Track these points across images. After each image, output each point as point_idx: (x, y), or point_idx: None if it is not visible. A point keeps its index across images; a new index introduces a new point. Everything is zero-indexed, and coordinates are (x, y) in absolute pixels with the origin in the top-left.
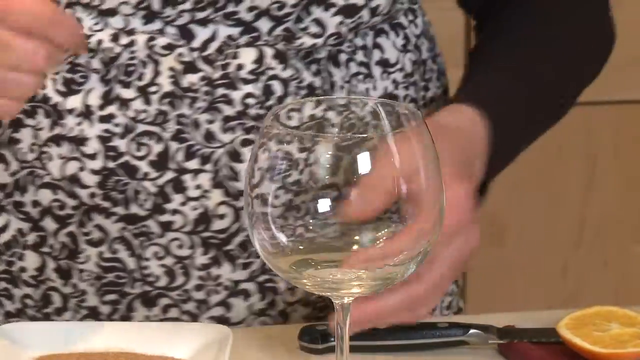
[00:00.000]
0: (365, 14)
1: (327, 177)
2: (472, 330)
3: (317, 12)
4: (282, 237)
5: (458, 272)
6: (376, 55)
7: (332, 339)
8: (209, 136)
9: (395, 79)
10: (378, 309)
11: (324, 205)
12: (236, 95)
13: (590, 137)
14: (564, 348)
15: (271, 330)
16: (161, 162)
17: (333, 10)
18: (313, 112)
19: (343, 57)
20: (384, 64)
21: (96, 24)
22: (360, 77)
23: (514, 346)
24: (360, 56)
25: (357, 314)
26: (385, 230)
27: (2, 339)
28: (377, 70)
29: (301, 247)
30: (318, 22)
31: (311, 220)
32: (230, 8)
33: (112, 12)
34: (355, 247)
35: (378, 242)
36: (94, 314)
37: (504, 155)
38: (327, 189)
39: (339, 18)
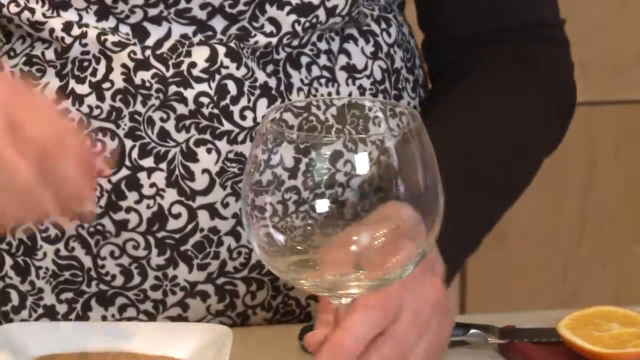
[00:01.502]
0: (321, 13)
1: (325, 177)
2: (472, 330)
3: (272, 10)
4: (280, 237)
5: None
6: (342, 60)
7: None
8: (163, 134)
9: (362, 85)
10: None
11: (322, 205)
12: (189, 94)
13: (591, 137)
14: (564, 348)
15: (271, 330)
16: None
17: (288, 8)
18: (315, 112)
19: (304, 59)
20: (351, 69)
21: (50, 13)
22: (322, 80)
23: (514, 346)
24: (323, 60)
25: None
26: (384, 230)
27: (3, 339)
28: (341, 75)
29: (300, 248)
30: (273, 20)
31: (310, 221)
32: (183, 5)
33: (64, 4)
34: (353, 247)
35: (377, 242)
36: (50, 313)
37: (460, 242)
38: (327, 189)
39: (293, 17)
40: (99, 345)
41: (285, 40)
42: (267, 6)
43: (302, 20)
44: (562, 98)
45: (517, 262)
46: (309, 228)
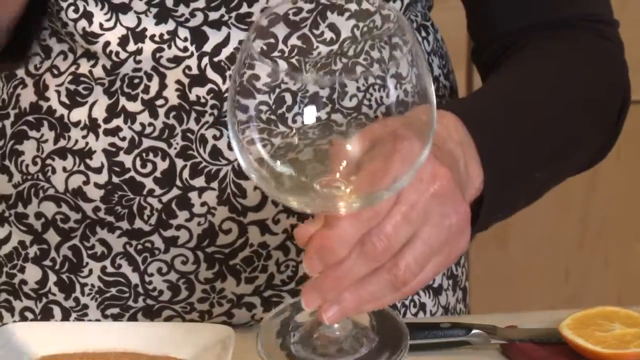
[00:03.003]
0: (377, 18)
1: (313, 90)
2: (474, 331)
3: (332, 17)
4: (263, 152)
5: (441, 254)
6: (392, 69)
7: None
8: (215, 153)
9: (406, 90)
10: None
11: (310, 114)
12: None
13: None
14: (567, 348)
15: None
16: (167, 180)
17: (347, 14)
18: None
19: (359, 69)
20: (398, 77)
21: (108, 20)
22: (376, 87)
23: (517, 346)
24: (376, 69)
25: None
26: (375, 146)
27: (6, 339)
28: (391, 83)
29: (285, 164)
30: (332, 26)
31: (298, 137)
32: (244, 9)
33: (124, 7)
34: (344, 163)
35: (367, 158)
36: None
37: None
38: (313, 103)
39: (352, 22)
40: (102, 345)
41: (345, 46)
42: (328, 12)
43: (360, 24)
44: (614, 90)
45: (520, 263)
46: (296, 143)
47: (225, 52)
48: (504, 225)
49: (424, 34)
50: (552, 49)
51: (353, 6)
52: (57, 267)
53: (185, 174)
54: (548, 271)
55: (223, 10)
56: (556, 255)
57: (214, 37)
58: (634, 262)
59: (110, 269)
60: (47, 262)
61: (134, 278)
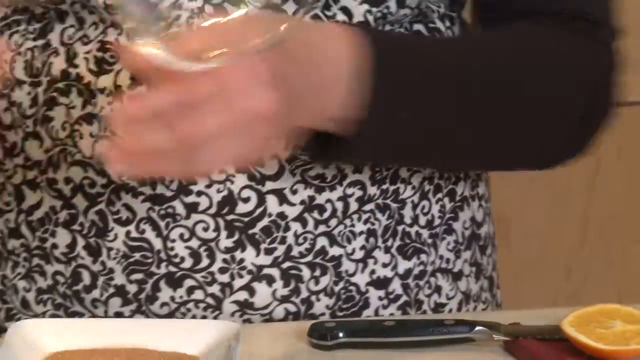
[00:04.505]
0: (392, 4)
1: None
2: (478, 327)
3: (344, 0)
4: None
5: (239, 138)
6: None
7: (341, 336)
8: None
9: None
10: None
11: None
12: None
13: None
14: (569, 345)
15: (281, 326)
16: None
17: None
18: None
19: None
20: None
21: None
22: None
23: (519, 343)
24: None
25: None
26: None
27: (17, 336)
28: None
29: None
30: (345, 10)
31: None
32: None
33: None
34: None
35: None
36: (121, 293)
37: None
38: None
39: (365, 6)
40: (112, 341)
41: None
42: None
43: (374, 10)
44: (581, 87)
45: (521, 261)
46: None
47: None
48: (505, 223)
49: (448, 23)
50: (524, 29)
51: None
52: (84, 231)
53: None
54: (550, 269)
55: None
56: (558, 253)
57: (233, 13)
58: (634, 260)
59: (134, 234)
60: (76, 227)
61: (157, 243)
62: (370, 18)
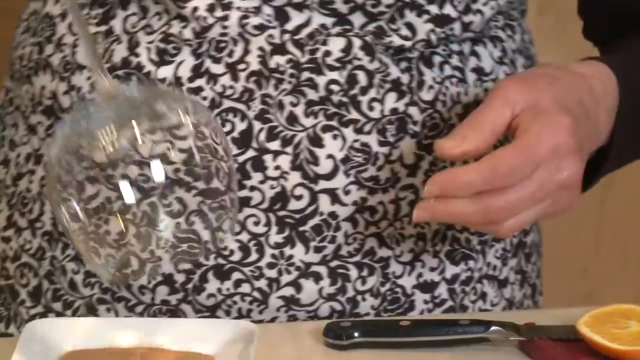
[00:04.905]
0: (456, 27)
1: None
2: (493, 327)
3: (410, 16)
4: None
5: (541, 205)
6: (472, 62)
7: (357, 335)
8: (292, 119)
9: (487, 88)
10: (457, 179)
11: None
12: (321, 80)
13: None
14: (584, 345)
15: (297, 326)
16: (243, 140)
17: (426, 17)
18: None
19: (437, 59)
20: (479, 71)
21: None
22: (454, 80)
23: (535, 343)
24: (455, 61)
25: (442, 175)
26: None
27: (34, 335)
28: (471, 77)
29: None
30: (409, 25)
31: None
32: None
33: None
34: None
35: None
36: (168, 282)
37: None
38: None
39: (430, 25)
40: (128, 340)
41: (418, 46)
42: (407, 11)
43: (438, 30)
44: None
45: None
46: None
47: (305, 31)
48: None
49: (509, 32)
50: None
51: (434, 9)
52: (136, 221)
53: (262, 136)
54: (566, 270)
55: None
56: (573, 253)
57: (297, 18)
58: None
59: (184, 225)
60: (129, 216)
61: (206, 235)
62: (433, 37)
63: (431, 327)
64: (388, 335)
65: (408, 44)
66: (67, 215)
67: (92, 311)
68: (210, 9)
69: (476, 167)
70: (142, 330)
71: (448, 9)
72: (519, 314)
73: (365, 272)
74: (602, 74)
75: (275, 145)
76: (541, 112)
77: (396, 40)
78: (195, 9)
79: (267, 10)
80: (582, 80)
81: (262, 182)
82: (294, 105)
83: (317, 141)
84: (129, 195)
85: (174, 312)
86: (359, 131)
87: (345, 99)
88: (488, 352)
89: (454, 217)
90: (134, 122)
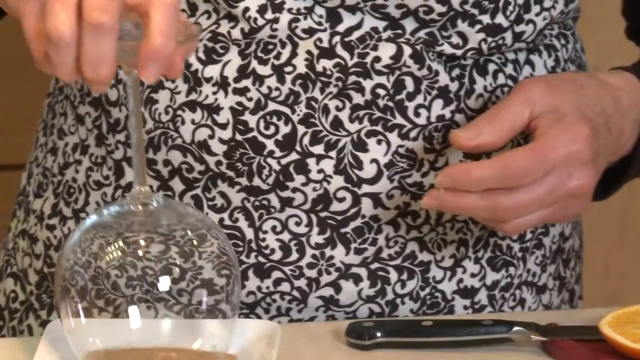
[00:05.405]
0: (508, 36)
1: None
2: (516, 328)
3: (462, 26)
4: None
5: (549, 210)
6: (526, 70)
7: (379, 335)
8: (337, 123)
9: None
10: (468, 173)
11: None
12: (367, 84)
13: None
14: (606, 345)
15: (319, 326)
16: (287, 143)
17: (478, 27)
18: None
19: (492, 66)
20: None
21: None
22: (506, 89)
23: (557, 344)
24: (509, 69)
25: (455, 168)
26: None
27: (56, 335)
28: None
29: None
30: (461, 34)
31: None
32: (380, 1)
33: None
34: None
35: None
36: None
37: None
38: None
39: (481, 35)
40: (150, 341)
41: (469, 55)
42: (459, 21)
43: (489, 40)
44: None
45: None
46: None
47: (357, 34)
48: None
49: (562, 41)
50: None
51: (486, 18)
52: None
53: (306, 140)
54: (588, 270)
55: None
56: (596, 254)
57: (349, 20)
58: None
59: (227, 222)
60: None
61: (249, 233)
62: (484, 47)
63: (454, 327)
64: (410, 335)
65: (459, 52)
66: (70, 311)
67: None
68: (262, 10)
69: (489, 164)
70: (164, 331)
71: (500, 19)
72: (541, 314)
73: (405, 276)
74: (631, 86)
75: (319, 149)
76: (561, 117)
77: (447, 49)
78: (246, 9)
79: (320, 11)
80: (608, 91)
81: (304, 184)
82: (339, 109)
83: (361, 146)
84: (135, 318)
85: (212, 311)
86: (404, 137)
87: (390, 104)
88: (510, 353)
89: (461, 210)
90: (150, 234)
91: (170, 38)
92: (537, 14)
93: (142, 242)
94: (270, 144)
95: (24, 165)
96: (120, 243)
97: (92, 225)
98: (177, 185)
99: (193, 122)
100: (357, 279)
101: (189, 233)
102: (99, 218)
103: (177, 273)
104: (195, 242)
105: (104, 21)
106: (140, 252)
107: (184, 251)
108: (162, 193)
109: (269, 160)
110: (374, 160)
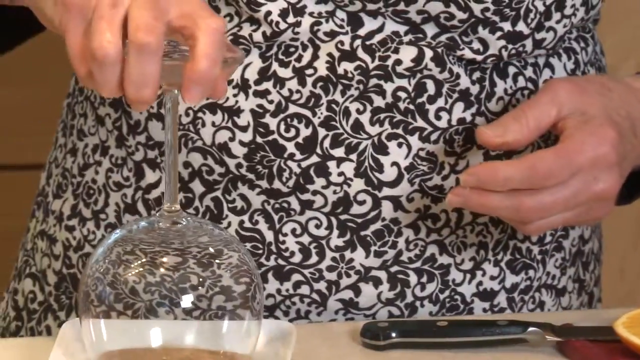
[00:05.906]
0: (528, 43)
1: None
2: (531, 328)
3: (483, 32)
4: None
5: (572, 212)
6: (546, 73)
7: (394, 336)
8: (357, 126)
9: None
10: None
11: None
12: (388, 87)
13: None
14: (621, 346)
15: (334, 326)
16: (307, 146)
17: (499, 34)
18: None
19: (512, 69)
20: None
21: None
22: (526, 92)
23: (572, 344)
24: (529, 72)
25: (482, 167)
26: None
27: (71, 335)
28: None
29: None
30: (482, 40)
31: None
32: (401, 7)
33: None
34: None
35: None
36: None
37: None
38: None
39: (502, 42)
40: (164, 342)
41: (488, 61)
42: (480, 27)
43: (510, 47)
44: None
45: None
46: None
47: (378, 37)
48: None
49: (582, 44)
50: None
51: (507, 26)
52: (199, 215)
53: (326, 143)
54: (603, 270)
55: (381, 4)
56: (611, 255)
57: (370, 24)
58: None
59: (247, 224)
60: (191, 210)
61: (269, 236)
62: (505, 53)
63: (469, 327)
64: (425, 335)
65: (479, 57)
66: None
67: (152, 313)
68: (283, 13)
69: (516, 164)
70: (178, 331)
71: (521, 26)
72: (556, 315)
73: (424, 279)
74: None
75: (339, 152)
76: (588, 120)
77: (468, 54)
78: (268, 13)
79: (341, 15)
80: (634, 95)
81: (325, 187)
82: (360, 112)
83: (382, 149)
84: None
85: (231, 316)
86: (425, 139)
87: (411, 107)
88: (525, 353)
89: (485, 209)
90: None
91: (216, 62)
92: (558, 22)
93: (169, 260)
94: (290, 147)
95: (43, 165)
96: (146, 259)
97: (118, 240)
98: (197, 187)
99: (213, 124)
100: (376, 282)
101: (213, 251)
102: (127, 233)
103: (204, 291)
104: (219, 261)
105: (148, 41)
106: (166, 272)
107: (207, 267)
108: (182, 195)
109: (290, 162)
110: (395, 163)
